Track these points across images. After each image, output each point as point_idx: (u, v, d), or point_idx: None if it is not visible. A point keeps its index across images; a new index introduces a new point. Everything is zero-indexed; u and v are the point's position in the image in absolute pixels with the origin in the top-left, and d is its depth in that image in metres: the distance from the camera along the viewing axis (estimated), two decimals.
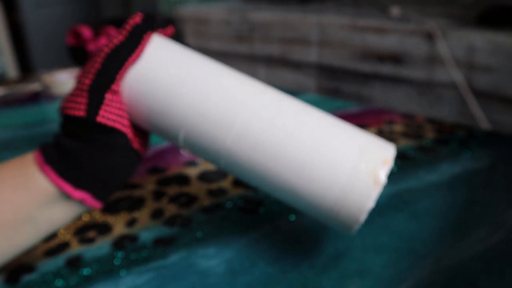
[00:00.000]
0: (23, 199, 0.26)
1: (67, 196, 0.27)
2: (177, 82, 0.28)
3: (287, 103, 0.28)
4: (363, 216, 0.26)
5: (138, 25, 0.29)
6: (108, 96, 0.27)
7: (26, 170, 0.27)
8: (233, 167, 0.29)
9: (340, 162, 0.26)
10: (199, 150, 0.29)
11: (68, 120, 0.28)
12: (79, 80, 0.28)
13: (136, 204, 0.39)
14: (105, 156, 0.27)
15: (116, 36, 0.28)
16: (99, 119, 0.27)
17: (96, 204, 0.28)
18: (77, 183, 0.27)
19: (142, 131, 0.31)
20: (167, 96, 0.28)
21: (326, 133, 0.27)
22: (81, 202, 0.28)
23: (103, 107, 0.27)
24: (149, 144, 0.33)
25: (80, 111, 0.27)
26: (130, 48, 0.28)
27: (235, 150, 0.27)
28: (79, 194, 0.27)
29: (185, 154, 0.49)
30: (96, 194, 0.28)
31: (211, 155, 0.29)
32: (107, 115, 0.27)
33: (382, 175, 0.26)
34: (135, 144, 0.29)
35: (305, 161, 0.26)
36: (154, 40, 0.29)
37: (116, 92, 0.28)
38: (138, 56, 0.28)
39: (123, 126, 0.28)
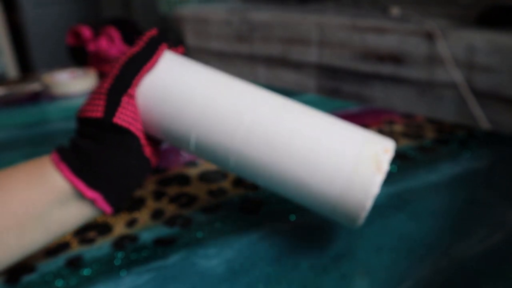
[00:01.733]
0: (35, 197, 0.26)
1: (79, 196, 0.28)
2: (189, 87, 0.30)
3: (290, 103, 0.31)
4: (369, 203, 0.27)
5: (154, 37, 0.31)
6: (124, 99, 0.29)
7: (41, 168, 0.28)
8: (242, 165, 0.30)
9: (344, 150, 0.28)
10: (210, 151, 0.30)
11: (84, 123, 0.29)
12: (98, 86, 0.30)
13: (136, 204, 0.39)
14: (119, 157, 0.28)
15: (134, 46, 0.31)
16: (116, 120, 0.28)
17: (107, 208, 0.29)
18: (91, 182, 0.28)
19: (154, 142, 0.33)
20: (180, 101, 0.30)
21: (328, 126, 0.29)
22: (92, 203, 0.28)
23: (120, 109, 0.29)
24: (159, 156, 0.34)
25: (97, 113, 0.28)
26: (146, 56, 0.30)
27: (244, 147, 0.29)
28: (91, 193, 0.28)
29: (186, 154, 0.49)
30: (107, 196, 0.28)
31: (221, 155, 0.30)
32: (123, 117, 0.29)
33: (384, 162, 0.27)
34: (147, 152, 0.31)
35: (310, 152, 0.28)
36: (167, 54, 0.32)
37: (132, 97, 0.30)
38: (153, 64, 0.30)
39: (137, 130, 0.30)
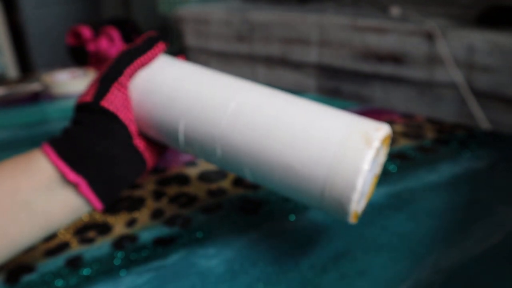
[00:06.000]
0: (21, 183, 0.26)
1: (64, 182, 0.27)
2: (178, 80, 0.31)
3: (277, 91, 0.31)
4: (359, 181, 0.25)
5: (152, 36, 0.33)
6: (115, 86, 0.30)
7: (30, 155, 0.28)
8: (228, 152, 0.29)
9: (331, 128, 0.26)
10: (197, 140, 0.30)
11: (77, 110, 0.31)
12: (96, 76, 0.32)
13: (136, 204, 0.39)
14: (104, 143, 0.29)
15: (132, 44, 0.33)
16: (103, 102, 0.29)
17: (92, 198, 0.28)
18: (74, 165, 0.28)
19: (156, 144, 0.34)
20: (170, 91, 0.31)
21: (316, 108, 0.28)
22: (77, 191, 0.28)
23: (109, 95, 0.30)
24: (159, 156, 0.34)
25: (88, 97, 0.30)
26: (142, 50, 0.32)
27: (230, 131, 0.28)
28: (74, 177, 0.27)
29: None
30: (91, 182, 0.28)
31: (207, 143, 0.30)
32: (111, 102, 0.30)
33: (375, 138, 0.25)
34: (140, 146, 0.31)
35: (295, 132, 0.27)
36: (165, 56, 0.33)
37: (123, 85, 0.31)
38: (148, 59, 0.32)
39: (126, 118, 0.30)
